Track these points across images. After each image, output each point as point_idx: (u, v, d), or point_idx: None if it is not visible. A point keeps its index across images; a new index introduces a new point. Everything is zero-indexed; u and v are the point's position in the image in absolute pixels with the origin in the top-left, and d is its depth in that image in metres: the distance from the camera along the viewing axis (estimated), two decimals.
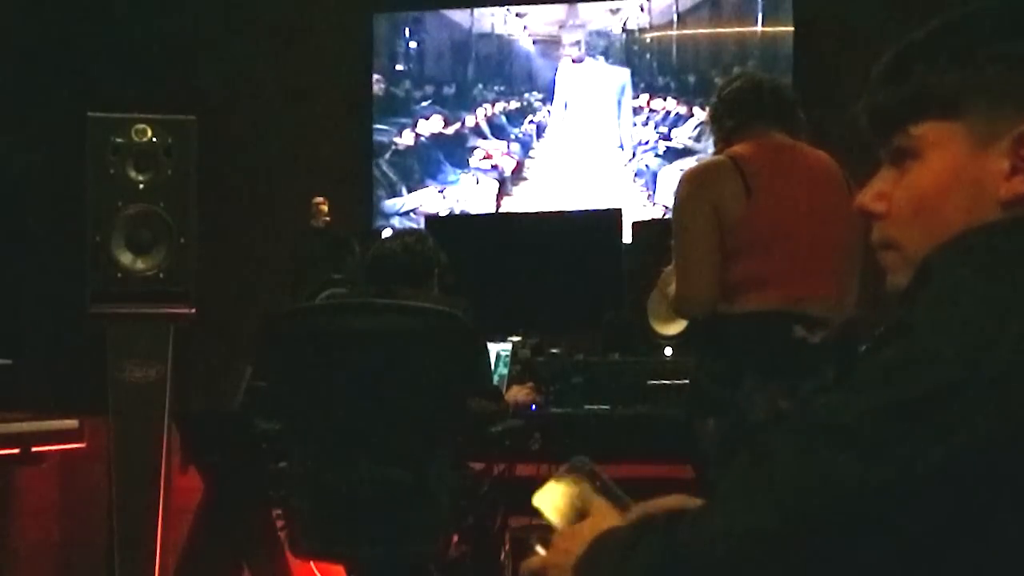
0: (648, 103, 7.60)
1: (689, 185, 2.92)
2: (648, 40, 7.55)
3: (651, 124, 7.54)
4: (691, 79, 7.39)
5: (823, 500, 0.94)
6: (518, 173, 7.82)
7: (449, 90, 7.97)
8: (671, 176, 7.23)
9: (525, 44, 7.90)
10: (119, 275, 4.03)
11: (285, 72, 6.09)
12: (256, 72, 6.07)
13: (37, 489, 4.46)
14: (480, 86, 7.96)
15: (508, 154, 7.83)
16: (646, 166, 7.51)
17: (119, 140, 4.05)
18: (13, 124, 5.53)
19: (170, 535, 4.10)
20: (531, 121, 7.85)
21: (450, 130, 7.88)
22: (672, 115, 7.44)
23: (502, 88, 7.90)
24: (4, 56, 5.55)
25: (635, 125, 7.56)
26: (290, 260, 4.93)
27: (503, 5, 7.53)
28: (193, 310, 4.10)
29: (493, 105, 7.92)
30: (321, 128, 6.09)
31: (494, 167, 7.81)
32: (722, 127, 3.02)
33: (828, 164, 2.99)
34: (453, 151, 7.84)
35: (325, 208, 4.72)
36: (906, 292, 1.05)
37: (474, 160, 7.82)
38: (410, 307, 3.20)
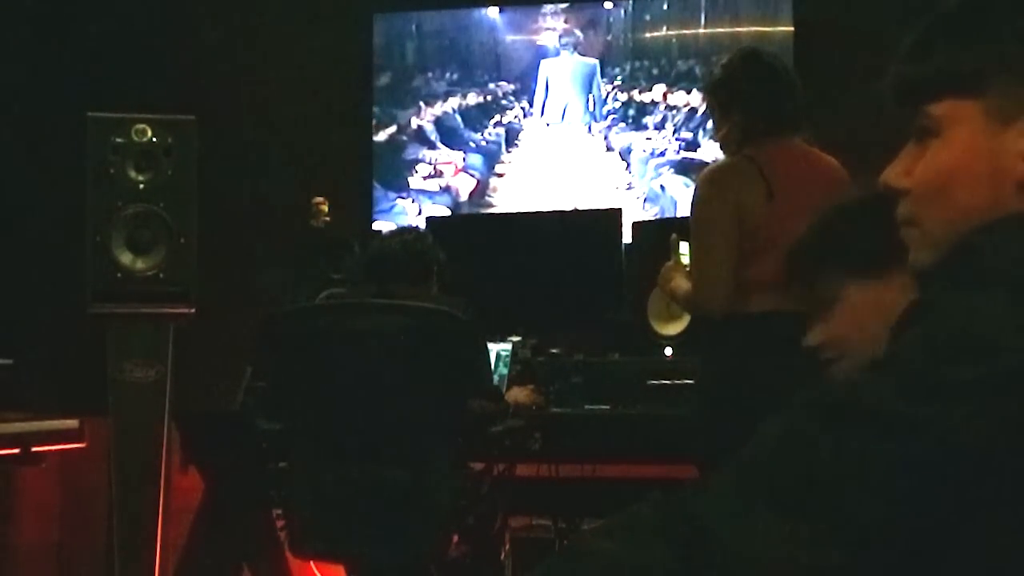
0: (665, 97, 5.45)
1: (712, 185, 2.94)
2: (665, 7, 5.53)
3: (669, 127, 5.37)
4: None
5: (863, 490, 0.92)
6: (478, 197, 5.54)
7: (381, 79, 5.74)
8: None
9: (491, 15, 5.64)
10: (119, 275, 4.03)
11: (285, 72, 6.09)
12: (256, 72, 6.06)
13: (37, 489, 4.47)
14: (427, 74, 5.65)
15: (465, 170, 5.54)
16: (661, 187, 5.35)
17: (119, 140, 4.05)
18: (13, 124, 5.53)
19: (170, 535, 4.10)
20: (498, 123, 5.54)
21: (382, 136, 5.65)
22: (699, 114, 5.29)
23: (456, 76, 5.62)
24: (4, 56, 5.55)
25: (646, 128, 5.42)
26: (290, 260, 4.93)
27: (508, 5, 5.79)
28: (193, 310, 4.11)
29: (444, 100, 5.61)
30: (321, 128, 6.08)
31: (445, 189, 5.57)
32: (746, 127, 2.99)
33: (840, 170, 3.06)
34: (386, 166, 5.62)
35: (325, 208, 4.71)
36: (938, 268, 1.04)
37: (416, 179, 5.58)
38: (409, 307, 3.20)
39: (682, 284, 3.01)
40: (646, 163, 5.41)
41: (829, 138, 3.16)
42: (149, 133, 4.07)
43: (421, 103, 5.64)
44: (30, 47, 5.66)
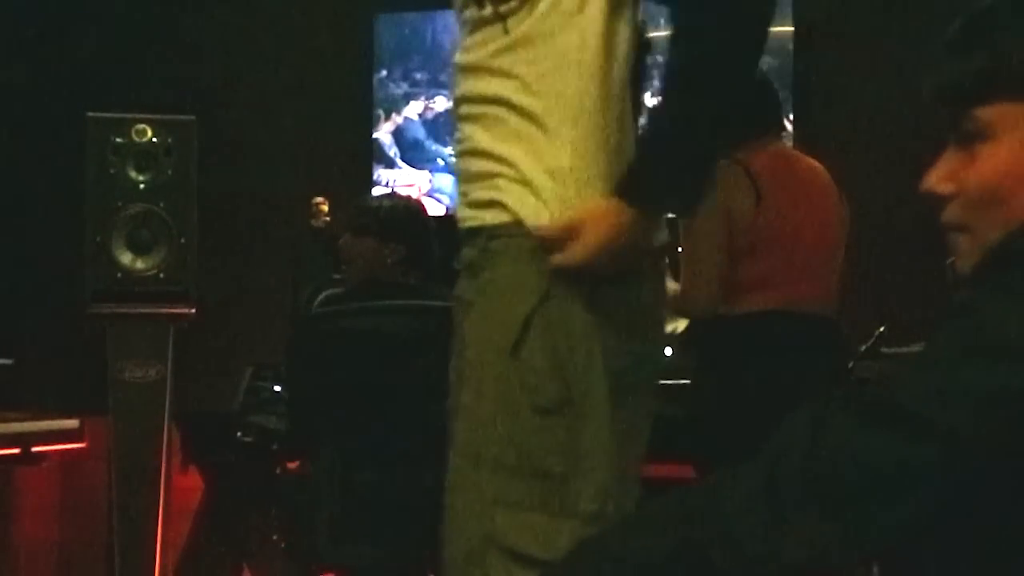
0: None
1: None
2: None
3: None
4: None
5: (893, 495, 0.93)
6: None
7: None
8: None
9: None
10: (119, 275, 4.03)
11: (285, 72, 6.09)
12: (256, 72, 6.07)
13: (37, 489, 4.46)
14: (383, 73, 4.77)
15: (431, 194, 4.59)
16: None
17: (119, 140, 4.06)
18: (13, 124, 5.53)
19: (170, 535, 4.10)
20: None
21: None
22: None
23: (421, 75, 4.66)
24: (4, 56, 5.55)
25: None
26: (290, 260, 4.93)
27: None
28: (193, 310, 4.11)
29: (407, 103, 4.67)
30: (321, 128, 6.08)
31: None
32: (735, 131, 3.05)
33: (822, 171, 3.11)
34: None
35: (325, 208, 4.71)
36: (979, 272, 1.02)
37: None
38: (439, 308, 3.19)
39: (669, 285, 3.05)
40: None
41: (829, 137, 3.18)
42: (149, 133, 4.08)
43: (376, 111, 4.71)
44: (30, 47, 5.66)
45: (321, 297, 3.77)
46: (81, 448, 3.77)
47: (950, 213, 1.09)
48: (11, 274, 5.43)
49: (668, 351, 3.96)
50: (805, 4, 5.69)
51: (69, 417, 3.74)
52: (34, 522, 4.51)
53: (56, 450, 3.73)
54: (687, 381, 3.23)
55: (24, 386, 4.43)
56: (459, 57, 1.77)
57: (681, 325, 3.88)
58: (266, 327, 4.89)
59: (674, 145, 1.62)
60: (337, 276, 3.99)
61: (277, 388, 4.02)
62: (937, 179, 1.09)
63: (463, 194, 1.75)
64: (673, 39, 1.67)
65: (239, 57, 6.08)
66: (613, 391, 1.63)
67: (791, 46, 5.75)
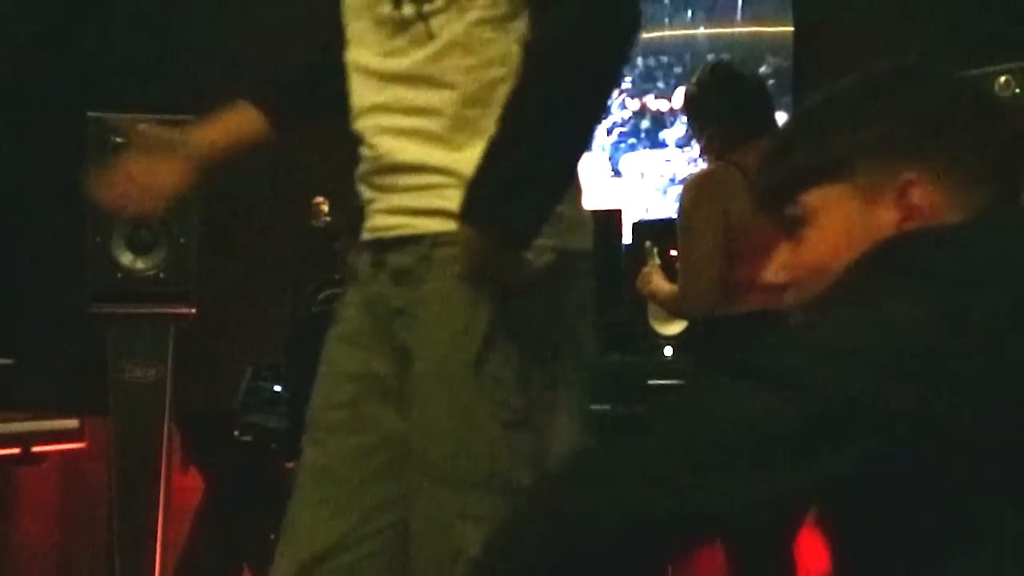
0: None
1: (699, 189, 3.00)
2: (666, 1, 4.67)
3: (696, 145, 3.64)
4: None
5: (744, 440, 0.96)
6: None
7: None
8: None
9: None
10: (119, 275, 4.04)
11: None
12: (256, 72, 6.07)
13: (37, 489, 4.46)
14: None
15: None
16: None
17: (119, 140, 4.06)
18: (13, 124, 5.53)
19: (170, 535, 4.10)
20: None
21: None
22: None
23: None
24: (4, 56, 5.55)
25: (664, 146, 4.34)
26: (290, 260, 4.93)
27: None
28: (193, 310, 4.11)
29: None
30: (321, 128, 6.08)
31: None
32: (724, 136, 3.05)
33: None
34: None
35: (325, 208, 4.71)
36: (868, 260, 1.09)
37: None
38: None
39: (663, 286, 3.09)
40: (666, 192, 4.42)
41: None
42: None
43: None
44: (30, 47, 5.66)
45: (321, 297, 3.77)
46: (81, 448, 3.77)
47: (790, 298, 1.20)
48: (11, 274, 5.43)
49: (668, 351, 3.98)
50: (805, 4, 5.69)
51: (69, 417, 3.74)
52: (34, 522, 4.51)
53: (56, 450, 3.73)
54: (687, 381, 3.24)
55: (24, 386, 4.43)
56: (376, 62, 1.69)
57: (680, 326, 3.88)
58: (266, 327, 4.88)
59: (504, 166, 1.53)
60: (337, 276, 3.99)
61: (277, 388, 4.02)
62: (772, 272, 1.20)
63: (385, 203, 1.68)
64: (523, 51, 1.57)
65: (239, 57, 6.08)
66: (576, 397, 1.61)
67: (791, 46, 5.74)
